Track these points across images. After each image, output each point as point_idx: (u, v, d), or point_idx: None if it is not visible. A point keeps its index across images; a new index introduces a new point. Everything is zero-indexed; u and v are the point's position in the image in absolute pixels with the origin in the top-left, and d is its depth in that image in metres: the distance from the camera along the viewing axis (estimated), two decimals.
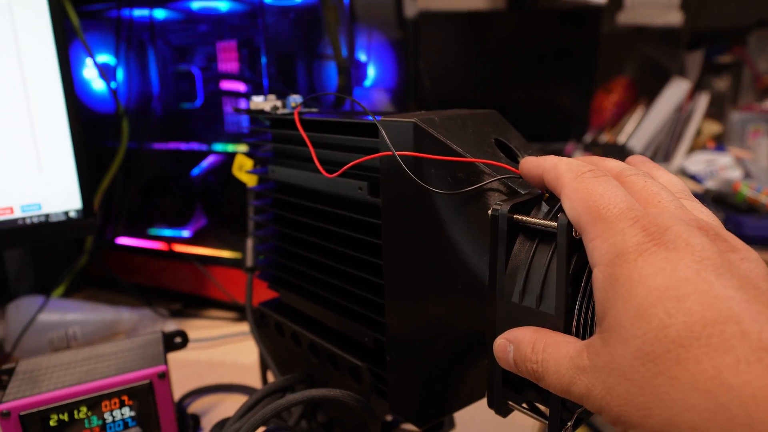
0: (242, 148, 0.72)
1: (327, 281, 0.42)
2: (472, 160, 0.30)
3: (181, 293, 0.77)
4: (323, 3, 0.67)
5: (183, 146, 0.77)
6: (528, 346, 0.24)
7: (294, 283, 0.46)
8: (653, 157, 1.39)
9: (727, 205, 1.00)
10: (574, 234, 0.24)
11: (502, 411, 0.30)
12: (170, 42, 0.76)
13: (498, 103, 1.38)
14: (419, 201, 0.31)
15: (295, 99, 0.43)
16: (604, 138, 1.50)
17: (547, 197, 0.28)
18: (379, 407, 0.39)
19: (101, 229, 0.79)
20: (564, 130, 1.42)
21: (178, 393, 0.52)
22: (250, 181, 0.50)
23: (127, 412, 0.39)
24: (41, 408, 0.36)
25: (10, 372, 0.40)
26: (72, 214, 0.54)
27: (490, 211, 0.27)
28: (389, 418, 0.45)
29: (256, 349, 0.51)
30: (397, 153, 0.31)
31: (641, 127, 1.42)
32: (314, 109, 0.45)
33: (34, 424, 0.36)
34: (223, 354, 0.64)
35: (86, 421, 0.38)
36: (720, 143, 1.44)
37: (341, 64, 0.67)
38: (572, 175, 0.24)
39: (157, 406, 0.40)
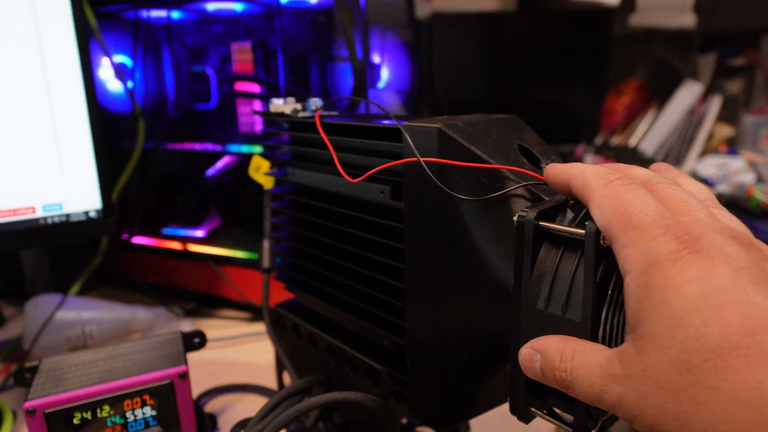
0: (257, 149, 0.72)
1: (346, 284, 0.42)
2: (497, 166, 0.30)
3: (195, 293, 0.78)
4: (338, 4, 0.67)
5: (197, 147, 0.78)
6: (556, 354, 0.24)
7: (312, 285, 0.46)
8: (664, 161, 1.39)
9: (741, 210, 0.99)
10: (601, 242, 0.24)
11: (525, 417, 0.30)
12: (185, 43, 0.76)
13: (509, 104, 1.38)
14: (443, 206, 0.31)
15: (316, 102, 0.44)
16: (615, 141, 1.49)
17: (572, 204, 0.29)
18: (396, 410, 0.39)
19: (116, 228, 0.80)
20: (574, 133, 1.42)
21: (193, 392, 0.53)
22: (267, 182, 0.51)
23: (148, 411, 0.40)
24: (65, 406, 0.37)
25: (34, 370, 0.40)
26: (92, 214, 0.54)
27: (515, 218, 0.27)
28: (404, 420, 0.45)
29: (271, 349, 0.51)
30: (422, 159, 0.31)
31: (653, 130, 1.42)
32: (333, 113, 0.46)
33: (59, 421, 0.37)
34: (237, 354, 0.64)
35: (108, 419, 0.38)
36: (732, 147, 1.43)
37: (356, 66, 0.67)
38: (601, 183, 0.24)
39: (178, 405, 0.41)
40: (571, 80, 1.39)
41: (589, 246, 0.25)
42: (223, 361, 0.62)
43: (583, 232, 0.25)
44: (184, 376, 0.41)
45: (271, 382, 0.55)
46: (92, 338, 0.65)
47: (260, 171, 0.51)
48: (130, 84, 0.77)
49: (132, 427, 0.39)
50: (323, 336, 0.43)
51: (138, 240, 0.81)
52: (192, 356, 0.46)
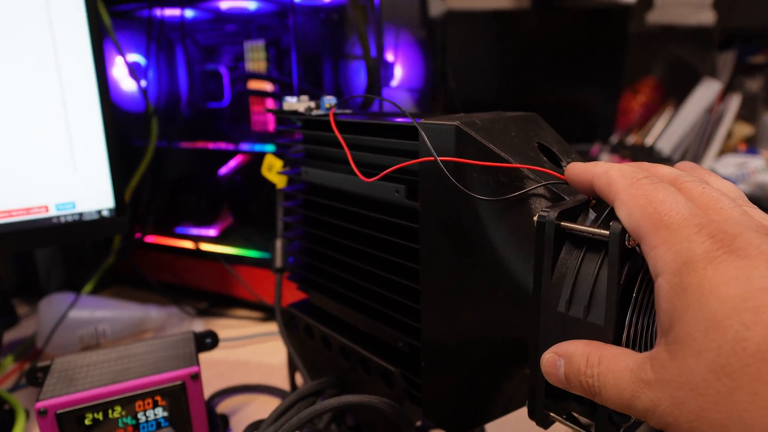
0: (269, 147, 0.72)
1: (359, 284, 0.41)
2: (516, 165, 0.29)
3: (208, 292, 0.78)
4: (352, 2, 0.67)
5: (210, 145, 0.77)
6: (581, 359, 0.23)
7: (325, 285, 0.46)
8: (682, 160, 1.36)
9: (761, 210, 0.97)
10: (626, 243, 0.24)
11: (544, 423, 0.29)
12: (198, 41, 0.76)
13: (523, 103, 1.37)
14: (460, 205, 0.31)
15: (330, 100, 0.43)
16: (631, 140, 1.47)
17: (593, 204, 0.28)
18: (410, 413, 0.38)
19: (129, 227, 0.80)
20: (589, 131, 1.40)
21: (205, 393, 0.52)
22: (280, 182, 0.50)
23: (160, 412, 0.39)
24: (77, 407, 0.37)
25: (46, 370, 0.40)
26: (105, 213, 0.54)
27: (536, 218, 0.27)
28: (419, 423, 0.44)
29: (283, 349, 0.51)
30: (439, 159, 0.30)
31: (669, 129, 1.40)
32: (347, 111, 0.45)
33: (70, 422, 0.37)
34: (249, 354, 0.64)
35: (120, 420, 0.38)
36: (752, 146, 1.41)
37: (370, 64, 0.67)
38: (627, 182, 0.23)
39: (189, 406, 0.40)
40: (586, 78, 1.38)
41: (614, 247, 0.24)
42: (236, 361, 0.62)
43: (607, 232, 0.24)
44: (196, 377, 0.40)
45: (284, 383, 0.55)
46: (105, 337, 0.65)
47: (273, 170, 0.50)
48: (143, 83, 0.77)
49: (144, 428, 0.39)
50: (336, 337, 0.43)
51: (150, 239, 0.82)
52: (204, 356, 0.46)
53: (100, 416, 0.38)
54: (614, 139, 1.45)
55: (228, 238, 0.77)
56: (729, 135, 1.40)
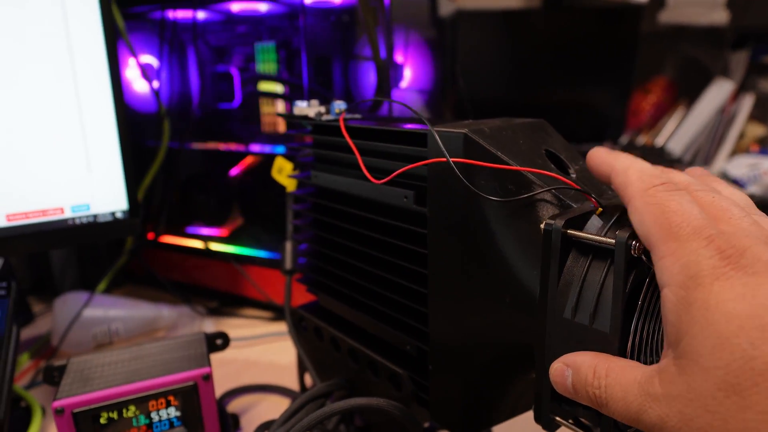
0: (279, 149, 0.72)
1: (368, 287, 0.42)
2: (523, 169, 0.30)
3: (218, 291, 0.79)
4: (362, 4, 0.67)
5: (221, 146, 0.78)
6: (588, 370, 0.23)
7: (334, 287, 0.46)
8: (693, 161, 1.35)
9: None
10: (632, 252, 0.24)
11: (550, 426, 0.29)
12: (209, 43, 0.77)
13: (533, 103, 1.36)
14: (468, 211, 0.31)
15: (339, 105, 0.43)
16: (642, 140, 1.46)
17: (600, 212, 0.28)
18: (418, 415, 0.39)
19: (142, 227, 0.81)
20: (599, 131, 1.39)
21: (216, 391, 0.53)
22: (290, 185, 0.51)
23: (172, 411, 0.40)
24: (93, 406, 0.37)
25: (62, 369, 0.41)
26: (118, 215, 0.55)
27: (542, 225, 0.27)
28: (426, 425, 0.45)
29: (292, 349, 0.51)
30: (451, 159, 0.30)
31: (681, 129, 1.39)
32: (357, 115, 0.45)
33: (86, 421, 0.37)
34: (259, 353, 0.64)
35: (134, 419, 0.39)
36: (764, 146, 1.39)
37: (380, 66, 0.67)
38: (643, 187, 0.23)
39: (201, 406, 0.41)
40: (597, 78, 1.37)
41: (620, 256, 0.24)
42: (246, 361, 0.63)
43: (613, 241, 0.24)
44: (208, 377, 0.41)
45: (293, 383, 0.55)
46: (118, 335, 0.66)
47: (283, 172, 0.51)
48: (155, 84, 0.78)
49: (157, 427, 0.40)
50: (345, 339, 0.43)
51: (162, 238, 0.83)
52: (215, 355, 0.47)
53: (114, 415, 0.38)
54: (624, 139, 1.44)
55: (238, 238, 0.78)
56: (741, 135, 1.39)
